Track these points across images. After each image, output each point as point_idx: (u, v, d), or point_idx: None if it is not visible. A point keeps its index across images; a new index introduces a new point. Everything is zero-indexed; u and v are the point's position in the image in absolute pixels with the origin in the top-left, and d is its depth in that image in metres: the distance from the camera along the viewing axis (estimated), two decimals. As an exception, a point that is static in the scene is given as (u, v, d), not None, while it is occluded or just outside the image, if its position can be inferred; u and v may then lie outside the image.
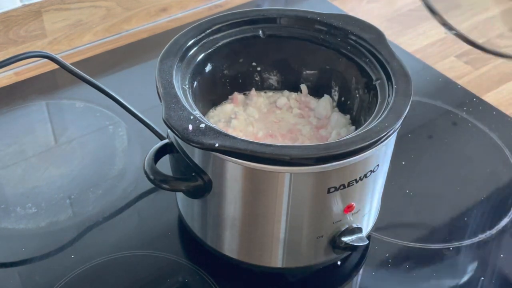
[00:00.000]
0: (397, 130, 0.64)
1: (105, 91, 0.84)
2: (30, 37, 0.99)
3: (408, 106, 0.64)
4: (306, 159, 0.59)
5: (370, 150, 0.61)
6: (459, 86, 0.99)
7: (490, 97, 0.98)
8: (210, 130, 0.60)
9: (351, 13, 0.96)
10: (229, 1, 1.17)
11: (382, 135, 0.60)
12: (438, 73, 1.02)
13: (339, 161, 0.60)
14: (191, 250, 0.74)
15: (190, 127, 0.60)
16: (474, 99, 0.97)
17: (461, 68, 1.04)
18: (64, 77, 0.91)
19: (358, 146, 0.59)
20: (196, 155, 0.64)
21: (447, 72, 1.02)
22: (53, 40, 1.01)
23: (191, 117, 0.61)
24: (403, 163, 0.86)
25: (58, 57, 0.82)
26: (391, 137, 0.63)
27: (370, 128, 0.62)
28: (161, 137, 0.83)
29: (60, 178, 0.83)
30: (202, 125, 0.60)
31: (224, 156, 0.60)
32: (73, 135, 0.90)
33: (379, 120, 0.63)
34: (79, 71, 0.83)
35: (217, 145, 0.59)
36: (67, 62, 0.84)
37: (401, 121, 0.62)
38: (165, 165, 0.70)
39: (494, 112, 0.95)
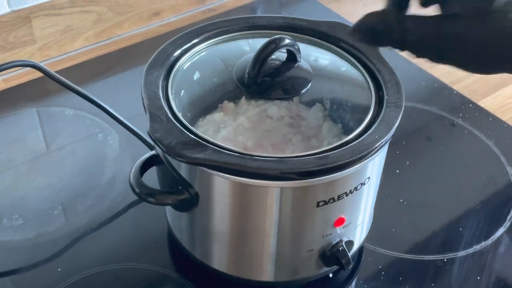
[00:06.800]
0: (389, 141, 0.63)
1: (92, 100, 0.82)
2: (19, 43, 0.97)
3: (400, 118, 0.62)
4: (293, 174, 0.58)
5: (360, 164, 0.59)
6: (455, 92, 0.98)
7: (486, 103, 0.96)
8: (196, 143, 0.59)
9: (346, 17, 0.95)
10: (223, 5, 1.16)
11: (372, 148, 0.59)
12: (433, 78, 1.00)
13: (328, 175, 0.58)
14: (180, 263, 0.73)
15: (175, 140, 0.58)
16: (470, 105, 0.95)
17: (457, 73, 1.02)
18: (53, 84, 0.90)
19: (347, 160, 0.58)
20: (182, 168, 0.63)
21: (443, 77, 1.01)
22: (43, 46, 1.00)
23: (177, 130, 0.60)
24: (397, 171, 0.85)
25: (43, 65, 0.81)
26: (382, 149, 0.62)
27: (360, 140, 0.60)
28: (150, 146, 0.82)
29: (48, 188, 0.82)
30: (188, 138, 0.59)
31: (211, 170, 0.59)
32: (62, 143, 0.88)
33: (369, 132, 0.61)
34: (64, 79, 0.82)
35: (202, 159, 0.57)
36: (58, 68, 0.83)
37: (392, 133, 0.61)
38: (153, 176, 0.68)
39: (490, 118, 0.93)
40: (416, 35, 0.51)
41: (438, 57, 0.52)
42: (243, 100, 0.76)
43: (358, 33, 0.53)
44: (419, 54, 0.52)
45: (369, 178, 0.63)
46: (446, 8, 0.51)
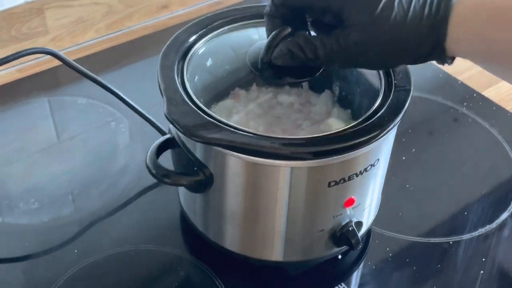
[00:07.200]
0: (397, 125, 0.64)
1: (107, 87, 0.84)
2: (32, 34, 0.99)
3: (408, 101, 0.64)
4: (306, 153, 0.59)
5: (371, 144, 0.61)
6: (459, 82, 1.00)
7: (490, 93, 0.98)
8: (212, 125, 0.61)
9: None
10: (230, -2, 1.17)
11: (382, 129, 0.61)
12: (438, 69, 1.02)
13: (340, 155, 0.60)
14: (193, 244, 0.75)
15: (192, 121, 0.60)
16: (474, 95, 0.97)
17: (461, 63, 1.03)
18: (66, 73, 0.92)
19: (358, 140, 0.60)
20: (197, 150, 0.64)
21: (447, 68, 1.02)
22: (55, 37, 1.02)
23: (193, 112, 0.62)
24: (404, 158, 0.87)
25: (61, 53, 0.83)
26: (391, 131, 0.64)
27: (371, 122, 0.62)
28: (163, 133, 0.84)
29: (63, 174, 0.84)
30: (204, 120, 0.61)
31: (225, 150, 0.61)
32: (75, 131, 0.90)
33: (379, 115, 0.63)
34: (82, 67, 0.84)
35: (218, 139, 0.59)
36: (70, 59, 0.85)
37: (401, 115, 0.63)
38: (167, 159, 0.70)
39: (494, 108, 0.95)
40: (324, 51, 0.60)
41: (346, 65, 0.63)
42: (254, 87, 0.77)
43: (279, 60, 0.64)
44: (330, 64, 0.63)
45: (378, 159, 0.65)
46: (342, 22, 0.60)
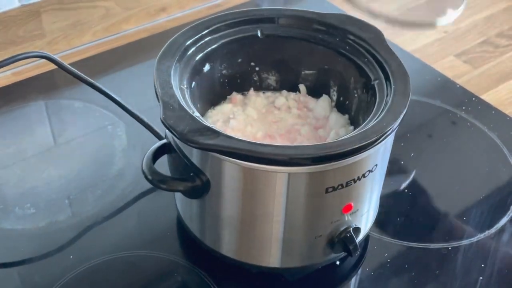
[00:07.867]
0: (396, 130, 0.64)
1: (103, 91, 0.84)
2: (29, 37, 0.99)
3: (407, 106, 0.64)
4: (303, 159, 0.59)
5: (368, 150, 0.61)
6: (458, 86, 0.99)
7: (489, 97, 0.98)
8: (208, 130, 0.60)
9: (350, 13, 0.96)
10: (228, 1, 1.17)
11: (380, 135, 0.60)
12: (437, 73, 1.02)
13: (337, 161, 0.60)
14: (190, 250, 0.74)
15: (188, 127, 0.60)
16: (473, 99, 0.97)
17: (460, 67, 1.04)
18: (63, 77, 0.91)
19: (356, 146, 0.59)
20: (194, 155, 0.64)
21: (446, 72, 1.02)
22: (52, 40, 1.01)
23: (189, 117, 0.61)
24: (402, 162, 0.86)
25: (56, 57, 0.82)
26: (389, 137, 0.63)
27: (368, 128, 0.62)
28: (159, 137, 0.83)
29: (59, 178, 0.83)
30: (200, 125, 0.60)
31: (222, 156, 0.60)
32: (72, 135, 0.90)
33: (377, 120, 0.63)
34: (77, 71, 0.83)
35: (214, 145, 0.59)
36: (66, 62, 0.84)
37: (399, 121, 0.62)
38: (163, 165, 0.70)
39: (493, 112, 0.95)
40: None
41: None
42: (251, 91, 0.77)
43: None
44: None
45: (376, 165, 0.65)
46: None
